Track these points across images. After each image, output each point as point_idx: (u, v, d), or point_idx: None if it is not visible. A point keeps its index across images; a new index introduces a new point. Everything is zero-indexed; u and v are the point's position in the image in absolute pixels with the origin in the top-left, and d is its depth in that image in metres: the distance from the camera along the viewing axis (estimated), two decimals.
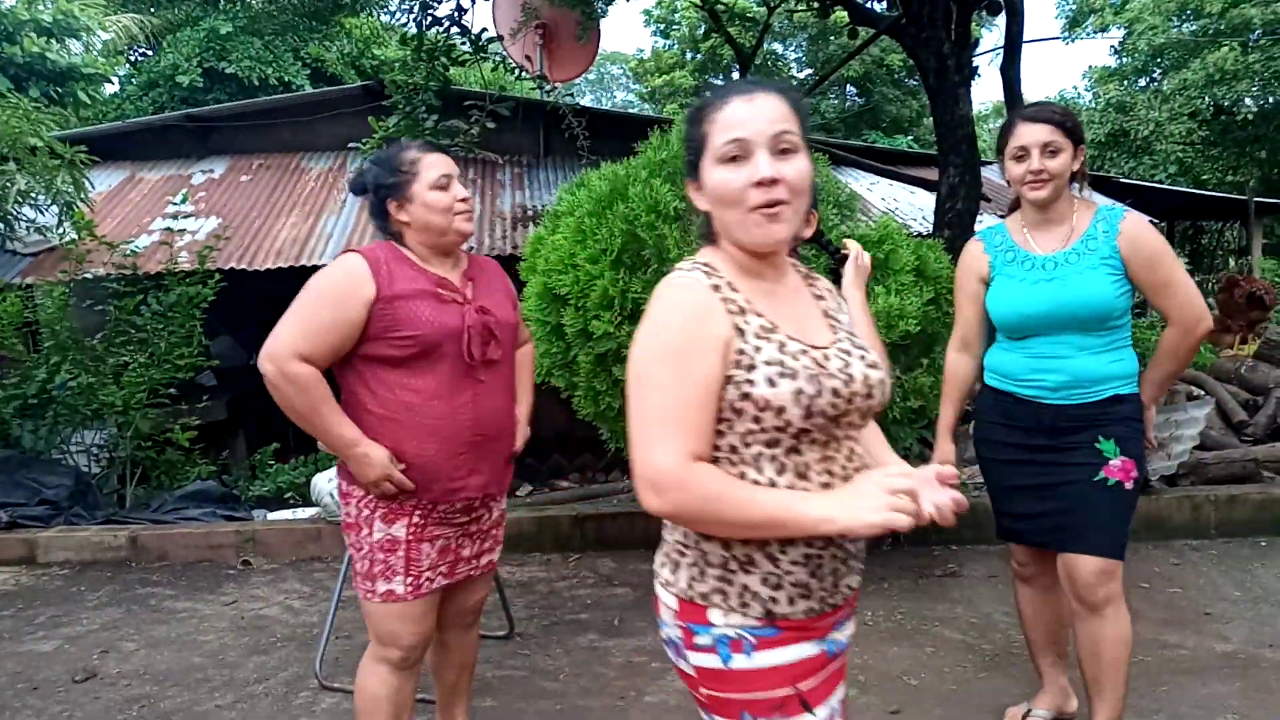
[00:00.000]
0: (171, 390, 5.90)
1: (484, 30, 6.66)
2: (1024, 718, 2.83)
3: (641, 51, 28.41)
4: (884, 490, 1.25)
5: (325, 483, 4.38)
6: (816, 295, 1.58)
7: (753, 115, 1.38)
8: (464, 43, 6.59)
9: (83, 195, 6.33)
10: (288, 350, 2.13)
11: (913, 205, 8.47)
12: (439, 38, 6.46)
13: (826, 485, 1.39)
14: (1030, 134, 2.45)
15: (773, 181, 1.36)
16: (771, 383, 1.34)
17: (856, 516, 1.25)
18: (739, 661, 1.39)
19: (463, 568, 2.40)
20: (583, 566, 4.55)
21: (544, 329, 3.89)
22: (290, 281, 2.25)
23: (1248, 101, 16.07)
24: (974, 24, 7.57)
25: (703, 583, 1.41)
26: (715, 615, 1.40)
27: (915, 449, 5.12)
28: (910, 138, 19.98)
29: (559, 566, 4.57)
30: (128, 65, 16.04)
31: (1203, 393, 6.13)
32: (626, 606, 4.00)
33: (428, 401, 2.21)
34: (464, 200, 2.29)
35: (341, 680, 3.23)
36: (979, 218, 6.23)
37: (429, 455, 2.21)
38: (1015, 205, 2.66)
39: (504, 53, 6.95)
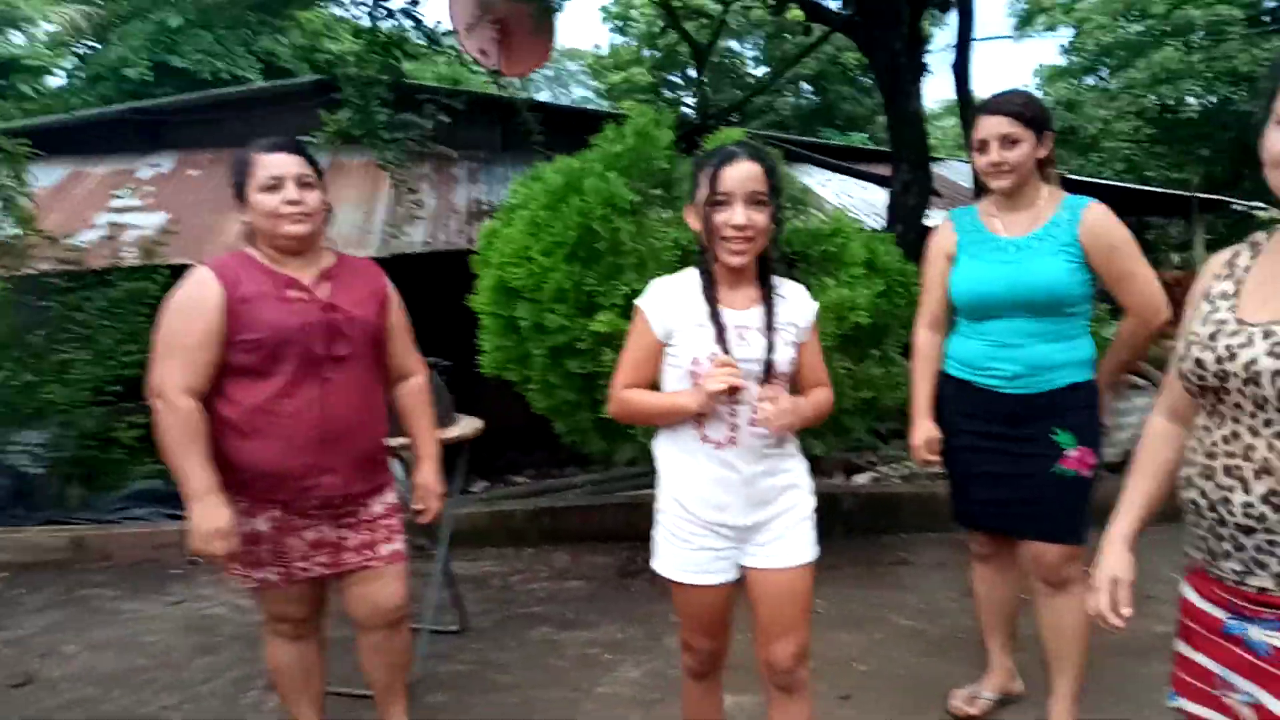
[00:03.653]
0: (117, 388, 5.78)
1: (438, 23, 6.61)
2: (971, 700, 2.87)
3: (599, 48, 28.36)
4: None
5: None
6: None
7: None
8: (419, 36, 6.53)
9: (24, 189, 6.17)
10: (173, 385, 2.13)
11: (865, 201, 8.55)
12: (392, 31, 6.40)
13: None
14: (989, 126, 2.48)
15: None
16: None
17: None
18: None
19: (351, 557, 2.36)
20: (537, 560, 4.54)
21: (498, 323, 3.86)
22: None
23: (1191, 100, 16.42)
24: (926, 22, 7.65)
25: None
26: None
27: (867, 439, 5.17)
28: (865, 135, 20.15)
29: (513, 561, 4.55)
30: (74, 58, 15.67)
31: (1146, 382, 6.26)
32: (581, 599, 3.99)
33: (273, 401, 2.18)
34: (292, 203, 2.22)
35: None
36: (928, 213, 6.32)
37: (274, 456, 2.19)
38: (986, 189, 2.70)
39: (460, 46, 6.90)
